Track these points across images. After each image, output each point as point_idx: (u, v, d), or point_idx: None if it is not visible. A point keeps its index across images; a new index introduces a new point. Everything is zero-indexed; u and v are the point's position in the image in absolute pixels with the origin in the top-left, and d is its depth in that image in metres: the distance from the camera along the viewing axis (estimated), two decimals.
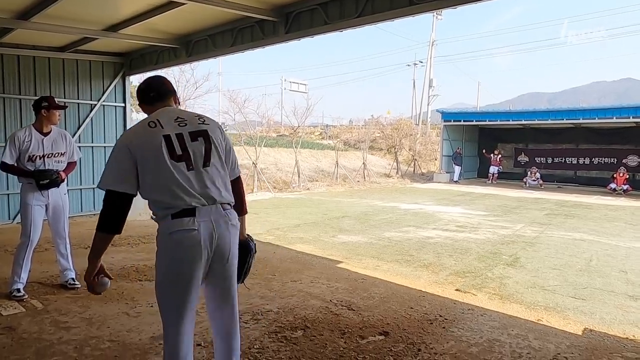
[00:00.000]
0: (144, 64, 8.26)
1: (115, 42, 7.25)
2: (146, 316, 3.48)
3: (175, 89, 2.27)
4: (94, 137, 8.18)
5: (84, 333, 3.17)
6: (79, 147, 7.90)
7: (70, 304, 3.73)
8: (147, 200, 1.99)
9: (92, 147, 8.15)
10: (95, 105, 8.15)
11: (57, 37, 6.89)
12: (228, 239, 2.01)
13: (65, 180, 4.09)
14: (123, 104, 8.58)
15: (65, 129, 7.76)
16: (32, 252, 3.96)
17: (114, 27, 6.33)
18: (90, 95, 8.12)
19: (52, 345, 2.98)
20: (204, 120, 2.11)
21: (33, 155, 3.84)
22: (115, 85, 8.41)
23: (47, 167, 3.89)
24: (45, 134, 3.93)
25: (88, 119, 8.05)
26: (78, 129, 7.92)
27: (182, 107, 2.24)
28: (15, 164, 3.85)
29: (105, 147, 8.30)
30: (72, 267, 4.17)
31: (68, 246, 4.16)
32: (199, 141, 1.99)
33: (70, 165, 4.13)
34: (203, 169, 1.97)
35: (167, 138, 1.94)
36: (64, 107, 4.18)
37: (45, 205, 3.95)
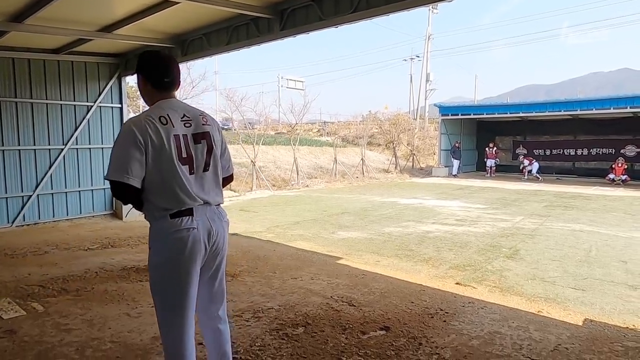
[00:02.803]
0: None
1: (110, 42, 7.22)
2: (147, 316, 3.48)
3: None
4: (91, 138, 8.15)
5: (85, 335, 3.17)
6: (76, 149, 7.99)
7: (71, 306, 3.74)
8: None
9: (90, 148, 8.14)
10: (92, 106, 8.12)
11: (52, 39, 6.86)
12: (222, 234, 2.08)
13: None
14: (120, 105, 8.55)
15: (62, 131, 7.80)
16: None
17: (109, 28, 6.31)
18: (87, 96, 8.10)
19: (53, 347, 2.98)
20: (207, 121, 2.07)
21: None
22: (111, 86, 8.38)
23: None
24: None
25: (85, 121, 8.02)
26: (75, 130, 7.90)
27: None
28: None
29: (102, 148, 8.28)
30: None
31: None
32: (201, 144, 2.00)
33: None
34: (203, 173, 2.00)
35: (177, 138, 1.92)
36: None
37: None
